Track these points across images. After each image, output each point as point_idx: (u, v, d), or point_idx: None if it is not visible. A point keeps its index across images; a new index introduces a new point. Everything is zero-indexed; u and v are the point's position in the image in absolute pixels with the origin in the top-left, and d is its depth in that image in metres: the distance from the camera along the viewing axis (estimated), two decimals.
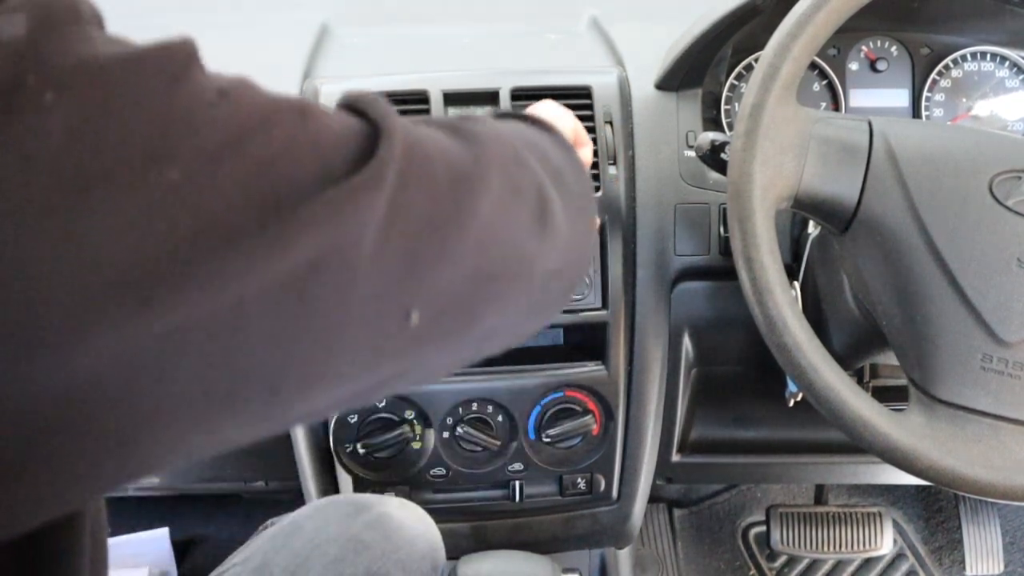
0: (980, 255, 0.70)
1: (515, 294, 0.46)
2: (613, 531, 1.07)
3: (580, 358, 0.98)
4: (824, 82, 1.04)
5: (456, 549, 0.91)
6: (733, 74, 1.01)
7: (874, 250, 0.74)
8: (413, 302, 0.39)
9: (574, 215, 0.53)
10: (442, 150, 0.42)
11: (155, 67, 0.32)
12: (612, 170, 0.94)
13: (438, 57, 1.10)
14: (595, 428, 0.98)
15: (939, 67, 1.03)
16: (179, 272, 0.30)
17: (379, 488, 0.99)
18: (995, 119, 1.04)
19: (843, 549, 1.42)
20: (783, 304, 0.70)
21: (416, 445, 0.97)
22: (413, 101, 0.93)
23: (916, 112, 1.04)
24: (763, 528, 1.52)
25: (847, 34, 1.02)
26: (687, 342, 1.04)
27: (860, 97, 1.04)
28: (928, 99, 1.04)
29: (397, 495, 0.95)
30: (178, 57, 0.33)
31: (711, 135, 0.82)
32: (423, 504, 0.88)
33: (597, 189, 0.93)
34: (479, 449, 0.98)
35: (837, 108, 1.03)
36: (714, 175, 0.96)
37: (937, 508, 1.57)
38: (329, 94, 0.94)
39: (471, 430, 0.96)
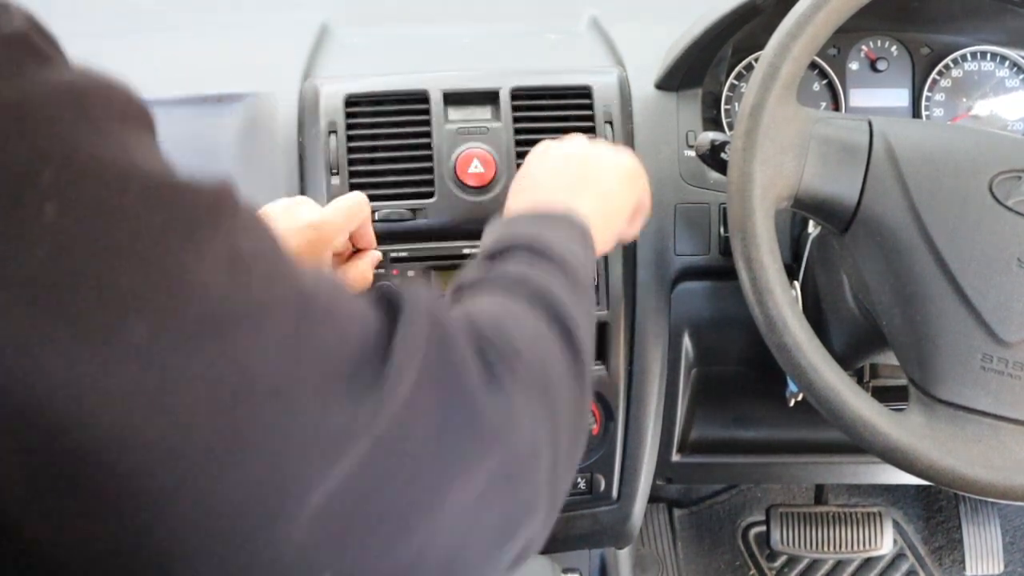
0: (980, 255, 0.70)
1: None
2: (613, 531, 1.06)
3: None
4: (824, 82, 1.04)
5: None
6: (733, 74, 1.01)
7: (874, 250, 0.74)
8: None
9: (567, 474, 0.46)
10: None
11: (177, 212, 0.29)
12: None
13: (438, 57, 1.10)
14: (595, 428, 0.98)
15: (939, 67, 1.03)
16: None
17: None
18: (995, 119, 1.04)
19: (843, 549, 1.42)
20: (783, 304, 0.70)
21: None
22: (413, 101, 0.94)
23: (916, 112, 1.04)
24: (763, 528, 1.52)
25: (847, 34, 1.02)
26: (687, 342, 1.04)
27: (860, 97, 1.04)
28: (928, 99, 1.04)
29: None
30: (203, 203, 0.30)
31: (711, 135, 0.82)
32: None
33: None
34: None
35: (837, 108, 1.03)
36: (714, 175, 0.96)
37: (937, 508, 1.57)
38: (329, 94, 0.94)
39: None
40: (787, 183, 0.73)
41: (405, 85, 0.94)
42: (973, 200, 0.72)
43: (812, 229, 0.92)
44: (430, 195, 0.91)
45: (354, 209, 0.76)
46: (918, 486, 1.55)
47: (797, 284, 0.90)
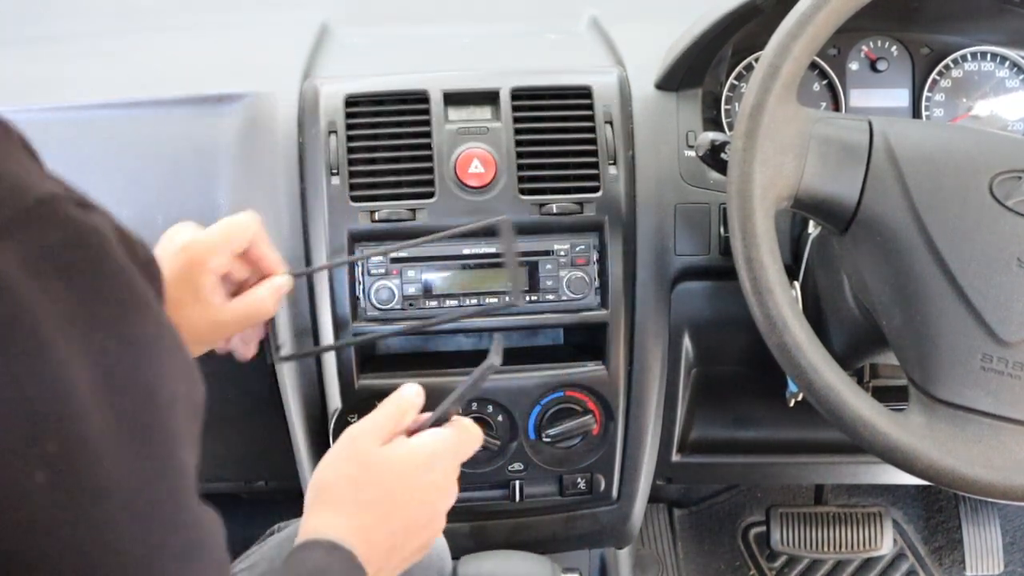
0: (980, 255, 0.70)
1: None
2: (613, 531, 1.06)
3: (580, 358, 0.98)
4: (824, 82, 1.04)
5: (456, 549, 0.91)
6: (733, 74, 1.01)
7: (874, 250, 0.74)
8: None
9: None
10: None
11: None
12: (612, 170, 0.94)
13: (438, 57, 1.10)
14: (595, 428, 0.98)
15: (939, 67, 1.03)
16: None
17: None
18: (995, 119, 1.04)
19: (843, 549, 1.42)
20: (783, 304, 0.70)
21: None
22: (413, 101, 0.94)
23: (916, 112, 1.04)
24: (763, 528, 1.52)
25: (847, 34, 1.02)
26: (687, 342, 1.04)
27: (860, 97, 1.04)
28: (928, 99, 1.04)
29: None
30: None
31: (711, 135, 0.82)
32: None
33: (597, 189, 0.94)
34: (479, 449, 0.97)
35: (837, 108, 1.03)
36: (714, 175, 0.96)
37: (937, 508, 1.57)
38: (329, 94, 0.94)
39: None
40: (787, 183, 0.73)
41: (405, 85, 0.94)
42: (973, 200, 0.72)
43: (812, 229, 0.92)
44: (430, 195, 0.91)
45: (233, 228, 0.72)
46: (918, 486, 1.55)
47: (797, 284, 0.90)
